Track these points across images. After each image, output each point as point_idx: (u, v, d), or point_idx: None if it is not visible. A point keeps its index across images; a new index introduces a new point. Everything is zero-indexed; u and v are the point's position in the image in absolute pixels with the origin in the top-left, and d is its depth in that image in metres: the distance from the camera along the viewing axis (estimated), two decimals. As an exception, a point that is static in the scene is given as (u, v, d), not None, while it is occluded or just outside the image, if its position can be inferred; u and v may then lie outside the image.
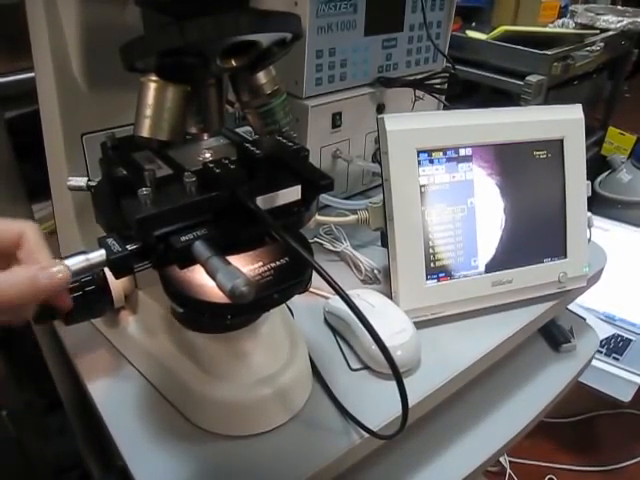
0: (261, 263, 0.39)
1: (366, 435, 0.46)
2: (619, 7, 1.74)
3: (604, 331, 1.29)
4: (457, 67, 0.82)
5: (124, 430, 0.46)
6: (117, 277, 0.33)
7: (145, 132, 0.37)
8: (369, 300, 0.55)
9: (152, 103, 0.37)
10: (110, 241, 0.32)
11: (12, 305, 0.29)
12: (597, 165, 1.81)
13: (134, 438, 0.45)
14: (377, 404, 0.49)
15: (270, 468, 0.44)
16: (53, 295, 0.31)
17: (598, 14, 1.48)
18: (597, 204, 1.62)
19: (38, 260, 0.31)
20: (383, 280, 0.64)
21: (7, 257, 0.31)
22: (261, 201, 0.36)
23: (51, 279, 0.29)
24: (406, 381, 0.34)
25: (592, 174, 1.70)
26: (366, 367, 0.53)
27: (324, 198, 0.69)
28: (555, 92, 1.31)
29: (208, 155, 0.42)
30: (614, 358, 1.25)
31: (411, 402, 0.35)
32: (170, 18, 0.34)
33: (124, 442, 0.45)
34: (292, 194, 0.38)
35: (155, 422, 0.47)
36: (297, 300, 0.44)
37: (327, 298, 0.60)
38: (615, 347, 1.27)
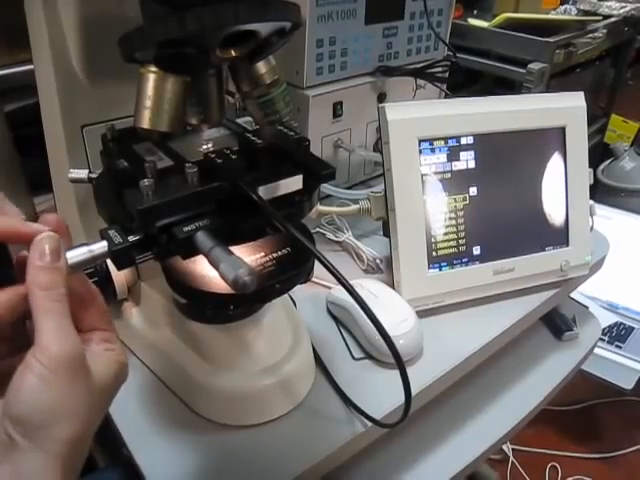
0: (263, 254, 0.40)
1: (369, 424, 0.46)
2: (622, -7, 1.72)
3: (607, 319, 1.29)
4: (458, 55, 0.82)
5: (129, 420, 0.46)
6: (119, 268, 0.33)
7: (145, 123, 0.37)
8: (371, 289, 0.55)
9: (152, 94, 0.37)
10: (112, 233, 0.32)
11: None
12: (600, 153, 1.80)
13: (139, 428, 0.46)
14: (380, 393, 0.49)
15: (273, 457, 0.44)
16: None
17: (601, 0, 1.47)
18: (600, 192, 1.61)
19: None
20: (385, 270, 0.64)
21: None
22: (263, 191, 0.36)
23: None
24: (408, 370, 0.34)
25: (595, 162, 1.70)
26: (369, 356, 0.53)
27: (326, 188, 0.69)
28: (557, 80, 1.30)
29: (209, 146, 0.42)
30: (617, 346, 1.25)
31: (414, 391, 0.35)
32: (169, 8, 0.33)
33: (129, 432, 0.45)
34: (294, 184, 0.38)
35: (159, 412, 0.47)
36: (299, 290, 0.44)
37: (329, 288, 0.60)
38: (618, 335, 1.27)
